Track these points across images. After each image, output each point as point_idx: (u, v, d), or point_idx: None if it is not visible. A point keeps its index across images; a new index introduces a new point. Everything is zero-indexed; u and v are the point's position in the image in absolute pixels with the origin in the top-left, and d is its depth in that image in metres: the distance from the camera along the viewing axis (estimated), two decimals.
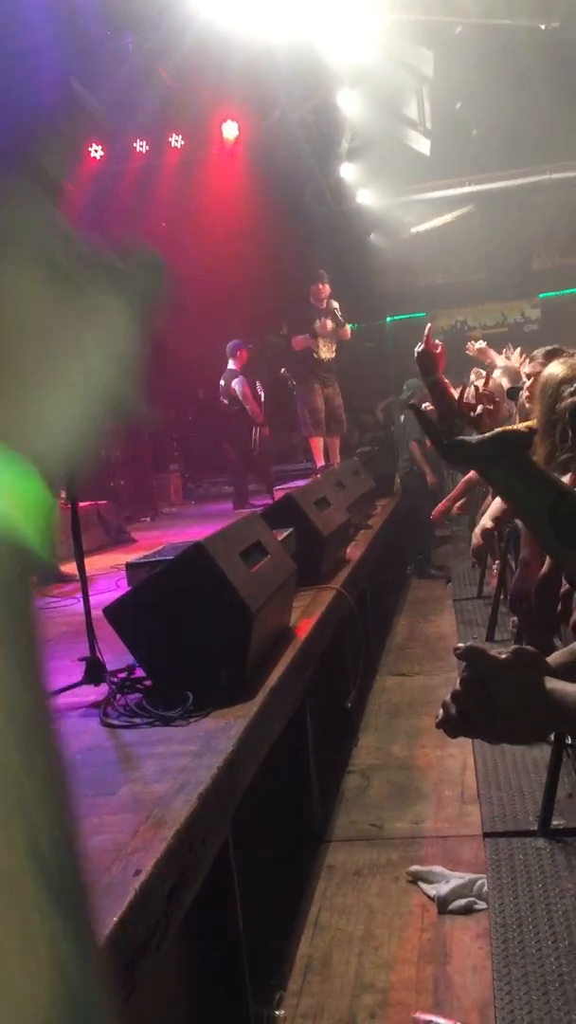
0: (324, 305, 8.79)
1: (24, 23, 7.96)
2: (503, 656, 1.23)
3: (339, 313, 8.87)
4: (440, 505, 6.74)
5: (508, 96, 11.41)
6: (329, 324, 8.74)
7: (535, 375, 3.63)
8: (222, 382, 9.44)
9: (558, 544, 1.46)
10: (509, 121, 12.00)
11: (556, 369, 3.05)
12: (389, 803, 3.80)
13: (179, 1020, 2.21)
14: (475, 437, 1.62)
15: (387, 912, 2.96)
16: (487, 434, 1.59)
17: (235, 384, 9.40)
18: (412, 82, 12.40)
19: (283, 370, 10.09)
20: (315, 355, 8.75)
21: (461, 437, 1.66)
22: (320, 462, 8.73)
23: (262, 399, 9.61)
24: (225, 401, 9.51)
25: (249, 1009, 2.31)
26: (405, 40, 10.92)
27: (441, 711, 1.29)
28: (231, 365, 9.52)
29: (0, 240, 0.74)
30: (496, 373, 5.77)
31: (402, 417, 9.86)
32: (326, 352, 8.82)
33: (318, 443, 8.87)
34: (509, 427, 1.61)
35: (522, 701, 1.21)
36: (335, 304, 8.87)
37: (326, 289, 8.77)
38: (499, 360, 6.80)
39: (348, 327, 8.93)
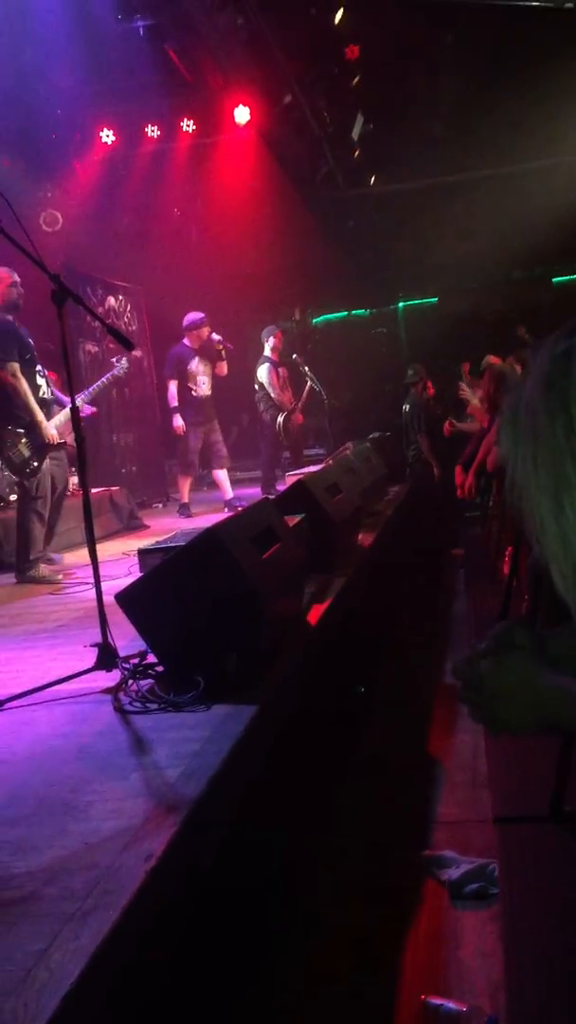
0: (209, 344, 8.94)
1: (34, 9, 7.93)
2: (485, 645, 1.21)
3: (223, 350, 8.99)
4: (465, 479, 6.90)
5: (522, 79, 11.29)
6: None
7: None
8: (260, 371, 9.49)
9: None
10: (524, 103, 11.87)
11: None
12: (401, 787, 3.81)
13: (192, 1005, 2.22)
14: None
15: (398, 896, 2.97)
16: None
17: (261, 371, 9.43)
18: (426, 65, 12.25)
19: (294, 355, 10.09)
20: (192, 392, 8.87)
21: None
22: (184, 498, 8.87)
23: (308, 386, 9.64)
24: (256, 387, 9.55)
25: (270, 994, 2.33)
26: (418, 23, 10.79)
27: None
28: (266, 351, 9.53)
29: None
30: None
31: (406, 407, 9.84)
32: (206, 389, 8.96)
33: (187, 482, 9.00)
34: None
35: (517, 693, 1.18)
36: (217, 337, 8.97)
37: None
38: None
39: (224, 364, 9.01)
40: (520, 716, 1.19)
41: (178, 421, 8.83)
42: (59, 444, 5.92)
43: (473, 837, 3.25)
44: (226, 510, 8.72)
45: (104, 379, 6.79)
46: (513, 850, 2.91)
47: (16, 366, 5.70)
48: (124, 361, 6.93)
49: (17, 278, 5.79)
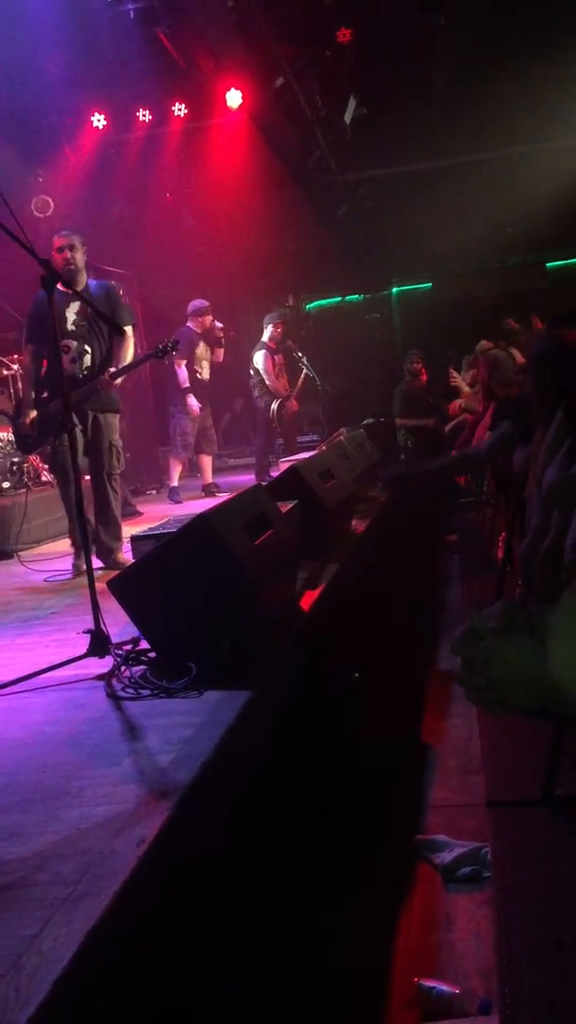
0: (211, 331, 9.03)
1: None
2: (490, 624, 1.21)
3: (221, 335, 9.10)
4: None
5: (516, 63, 11.22)
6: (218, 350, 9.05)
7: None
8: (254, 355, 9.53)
9: None
10: (518, 87, 11.81)
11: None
12: (394, 772, 3.82)
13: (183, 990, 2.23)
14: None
15: (391, 880, 2.98)
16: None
17: (257, 358, 9.41)
18: (419, 48, 12.17)
19: (288, 342, 10.07)
20: (198, 375, 8.91)
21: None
22: (174, 482, 8.89)
23: (303, 373, 9.65)
24: (251, 373, 9.55)
25: None
26: (411, 5, 10.71)
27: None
28: (265, 337, 9.51)
29: None
30: None
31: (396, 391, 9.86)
32: (207, 373, 9.03)
33: (179, 466, 9.06)
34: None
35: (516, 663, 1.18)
36: (219, 324, 9.06)
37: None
38: None
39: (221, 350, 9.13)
40: (523, 698, 1.19)
41: (193, 402, 8.76)
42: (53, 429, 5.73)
43: (466, 821, 3.26)
44: (203, 495, 8.75)
45: (140, 357, 6.54)
46: (505, 834, 2.92)
47: (29, 348, 5.66)
48: (173, 346, 6.22)
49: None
